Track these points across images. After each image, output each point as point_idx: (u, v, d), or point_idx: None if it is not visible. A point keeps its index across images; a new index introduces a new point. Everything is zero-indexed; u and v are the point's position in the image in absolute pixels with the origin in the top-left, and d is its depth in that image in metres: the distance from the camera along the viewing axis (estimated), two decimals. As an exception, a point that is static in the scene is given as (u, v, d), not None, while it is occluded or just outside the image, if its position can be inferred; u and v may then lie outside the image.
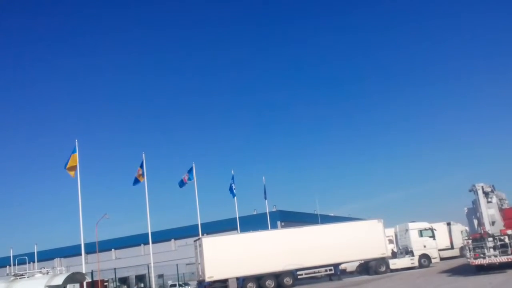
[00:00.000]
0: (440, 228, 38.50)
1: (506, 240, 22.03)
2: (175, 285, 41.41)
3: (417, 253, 33.91)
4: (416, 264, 33.48)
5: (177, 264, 41.45)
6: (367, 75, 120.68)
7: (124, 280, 42.06)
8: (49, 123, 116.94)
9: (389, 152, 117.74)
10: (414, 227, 35.17)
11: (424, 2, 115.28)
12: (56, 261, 69.21)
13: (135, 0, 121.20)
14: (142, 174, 31.94)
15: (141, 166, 31.95)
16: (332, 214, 71.80)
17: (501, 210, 23.98)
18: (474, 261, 22.45)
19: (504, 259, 21.73)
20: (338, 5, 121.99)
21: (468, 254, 23.03)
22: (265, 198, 46.78)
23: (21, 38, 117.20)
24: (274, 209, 56.86)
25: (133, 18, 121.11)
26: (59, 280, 22.93)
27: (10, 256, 51.14)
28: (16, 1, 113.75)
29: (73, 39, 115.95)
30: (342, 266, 32.35)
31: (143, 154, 32.03)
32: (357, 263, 33.60)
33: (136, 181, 32.20)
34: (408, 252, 34.51)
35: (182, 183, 35.55)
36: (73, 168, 27.35)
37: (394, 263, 33.04)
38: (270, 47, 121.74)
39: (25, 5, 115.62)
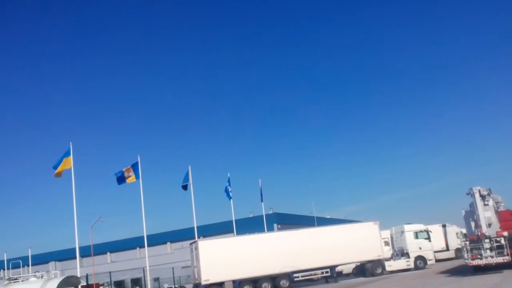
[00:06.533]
0: (436, 230, 38.62)
1: (502, 241, 22.75)
2: (171, 288, 41.17)
3: (412, 255, 34.07)
4: (412, 266, 33.60)
5: (173, 267, 41.23)
6: (369, 77, 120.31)
7: (119, 284, 41.86)
8: (43, 125, 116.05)
9: (385, 155, 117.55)
10: (410, 229, 35.32)
11: (431, 3, 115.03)
12: (51, 264, 68.67)
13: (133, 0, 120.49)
14: (136, 176, 31.58)
15: (134, 168, 31.59)
16: (329, 217, 71.62)
17: (497, 212, 24.50)
18: (471, 262, 23.26)
19: (500, 259, 22.50)
20: (345, 5, 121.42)
21: (465, 255, 23.69)
22: (262, 201, 46.71)
23: (16, 40, 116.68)
24: (270, 212, 56.66)
25: (130, 19, 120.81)
26: (53, 284, 22.82)
27: (4, 260, 50.65)
28: (14, 1, 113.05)
29: (68, 42, 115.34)
30: (338, 268, 32.32)
31: (138, 156, 31.90)
32: (353, 265, 33.70)
33: (122, 180, 30.94)
34: (404, 254, 34.62)
35: (185, 186, 35.29)
36: (62, 171, 27.15)
37: (390, 265, 33.14)
38: (270, 48, 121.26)
39: (22, 5, 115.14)
